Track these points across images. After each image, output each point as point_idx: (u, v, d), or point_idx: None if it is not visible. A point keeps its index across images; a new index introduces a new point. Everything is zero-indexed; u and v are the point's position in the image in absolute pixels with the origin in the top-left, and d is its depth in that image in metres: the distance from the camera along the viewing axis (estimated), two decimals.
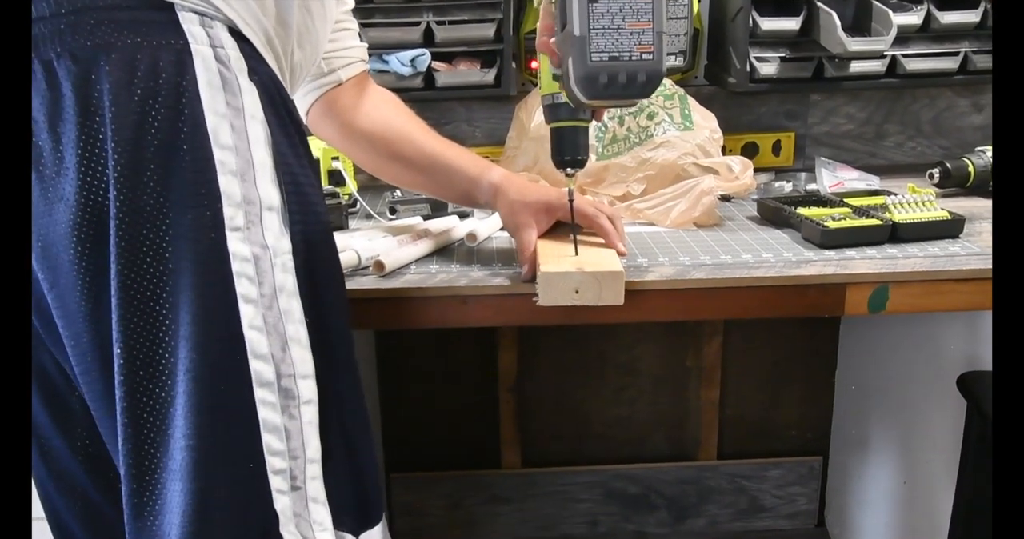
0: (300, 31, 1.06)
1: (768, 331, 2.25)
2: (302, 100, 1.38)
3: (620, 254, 1.33)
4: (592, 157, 1.68)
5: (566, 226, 1.35)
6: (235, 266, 0.92)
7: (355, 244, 1.39)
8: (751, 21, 1.80)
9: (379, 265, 1.35)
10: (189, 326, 0.91)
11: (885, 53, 1.82)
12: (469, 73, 1.83)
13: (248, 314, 0.93)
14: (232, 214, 0.92)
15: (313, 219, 1.02)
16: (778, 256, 1.40)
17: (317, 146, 1.69)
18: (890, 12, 1.78)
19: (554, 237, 1.37)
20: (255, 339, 0.94)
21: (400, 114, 1.42)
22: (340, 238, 1.45)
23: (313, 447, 1.01)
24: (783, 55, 1.85)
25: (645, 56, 0.94)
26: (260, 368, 0.95)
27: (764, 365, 2.29)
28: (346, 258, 1.35)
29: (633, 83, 0.95)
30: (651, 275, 1.34)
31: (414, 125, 1.41)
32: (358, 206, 1.69)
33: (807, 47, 1.85)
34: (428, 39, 1.81)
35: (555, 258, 1.27)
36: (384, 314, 1.35)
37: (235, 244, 0.92)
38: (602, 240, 1.37)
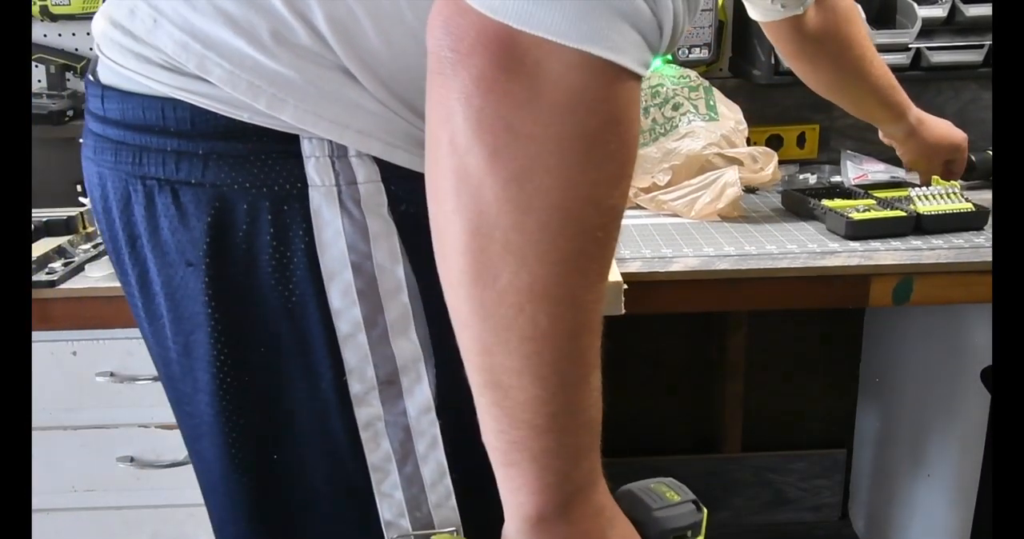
0: None
1: (792, 323, 2.25)
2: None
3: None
4: None
5: None
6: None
7: None
8: None
9: None
10: None
11: (910, 46, 1.82)
12: None
13: None
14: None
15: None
16: (802, 247, 1.41)
17: None
18: (915, 5, 1.78)
19: None
20: None
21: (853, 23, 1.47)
22: None
23: None
24: None
25: None
26: None
27: (788, 357, 2.29)
28: None
29: None
30: (675, 266, 1.34)
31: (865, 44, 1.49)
32: None
33: None
34: None
35: None
36: None
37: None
38: None
